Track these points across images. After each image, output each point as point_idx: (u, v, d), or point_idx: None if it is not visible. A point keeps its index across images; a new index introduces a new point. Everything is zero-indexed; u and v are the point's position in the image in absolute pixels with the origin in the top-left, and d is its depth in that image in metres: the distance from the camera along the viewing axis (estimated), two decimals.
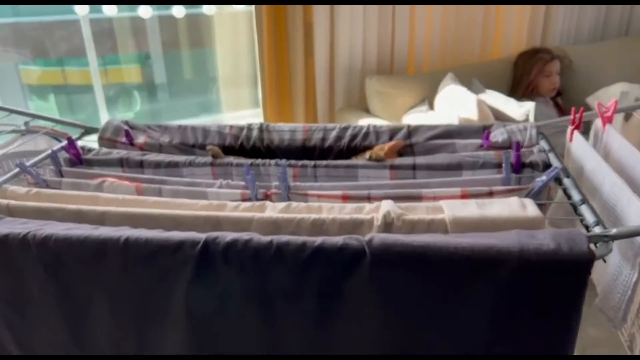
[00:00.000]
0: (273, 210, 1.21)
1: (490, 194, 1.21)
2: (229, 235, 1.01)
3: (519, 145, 1.30)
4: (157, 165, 1.51)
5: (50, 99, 3.15)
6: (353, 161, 1.44)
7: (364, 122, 2.72)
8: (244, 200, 1.32)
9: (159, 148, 1.64)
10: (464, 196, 1.22)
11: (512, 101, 2.42)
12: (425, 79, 2.80)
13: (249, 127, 1.63)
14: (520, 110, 2.32)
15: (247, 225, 1.15)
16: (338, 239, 0.97)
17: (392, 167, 1.40)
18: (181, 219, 1.18)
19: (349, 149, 1.56)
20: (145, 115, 3.31)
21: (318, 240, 0.97)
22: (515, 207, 1.10)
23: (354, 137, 1.56)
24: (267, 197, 1.31)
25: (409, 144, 1.52)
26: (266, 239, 0.99)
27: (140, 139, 1.66)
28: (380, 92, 2.70)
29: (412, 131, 1.54)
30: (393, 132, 1.55)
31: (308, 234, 1.12)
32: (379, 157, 1.43)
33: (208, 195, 1.33)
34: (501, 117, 2.39)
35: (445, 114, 2.42)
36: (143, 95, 3.30)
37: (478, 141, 1.48)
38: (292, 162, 1.46)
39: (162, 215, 1.19)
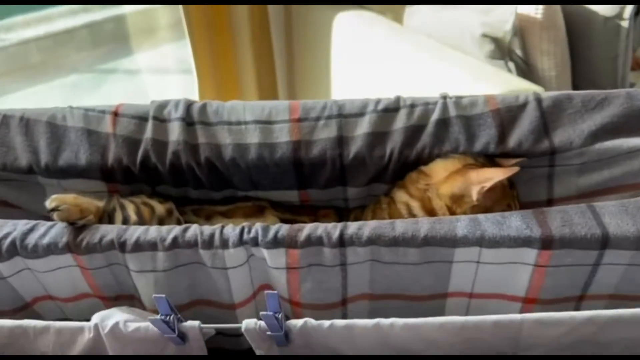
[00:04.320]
0: None
1: None
2: None
3: None
4: None
5: None
6: (441, 221, 0.56)
7: (350, 15, 1.71)
8: None
9: None
10: None
11: None
12: None
13: (158, 117, 0.69)
14: None
15: None
16: None
17: (547, 243, 0.54)
18: None
19: (402, 164, 0.67)
20: None
21: None
22: None
23: (414, 132, 0.66)
24: None
25: (548, 150, 0.65)
26: None
27: None
28: None
29: (548, 113, 0.66)
30: (504, 119, 0.66)
31: None
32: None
33: None
34: (573, 14, 1.49)
35: (482, 6, 1.49)
36: None
37: None
38: (283, 230, 0.56)
39: None
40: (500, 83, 1.27)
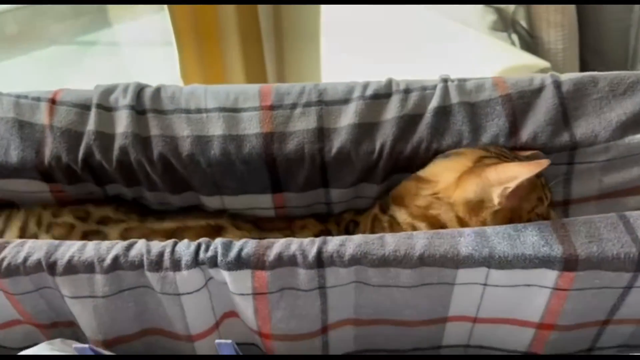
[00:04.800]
0: None
1: None
2: None
3: None
4: None
5: None
6: (441, 236, 0.46)
7: None
8: None
9: None
10: None
11: None
12: None
13: (103, 105, 0.58)
14: None
15: None
16: None
17: (570, 264, 0.44)
18: None
19: (394, 161, 0.56)
20: None
21: None
22: None
23: (408, 123, 0.56)
24: None
25: (568, 144, 0.54)
26: None
27: None
28: None
29: (568, 99, 0.55)
30: (516, 106, 0.55)
31: None
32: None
33: None
34: None
35: None
36: None
37: None
38: (248, 247, 0.46)
39: None
40: (502, 57, 1.16)
